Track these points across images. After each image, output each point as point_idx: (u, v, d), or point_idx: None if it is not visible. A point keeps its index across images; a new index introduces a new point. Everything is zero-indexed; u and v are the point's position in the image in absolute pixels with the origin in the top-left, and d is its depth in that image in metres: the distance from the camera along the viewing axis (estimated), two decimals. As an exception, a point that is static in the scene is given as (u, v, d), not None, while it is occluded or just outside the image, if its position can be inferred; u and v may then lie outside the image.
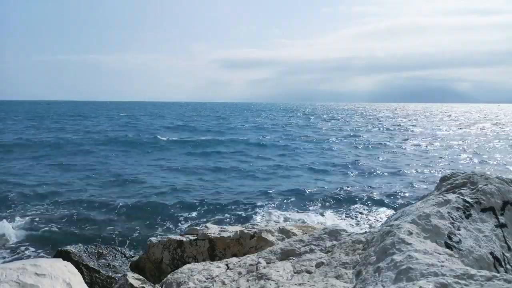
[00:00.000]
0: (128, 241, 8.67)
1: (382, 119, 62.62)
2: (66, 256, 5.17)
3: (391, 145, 26.25)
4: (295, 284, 2.43)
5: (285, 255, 2.95)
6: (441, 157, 20.84)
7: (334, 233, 3.07)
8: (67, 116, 62.16)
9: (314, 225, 6.00)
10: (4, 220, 9.53)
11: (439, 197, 2.82)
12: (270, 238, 4.16)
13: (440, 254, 2.09)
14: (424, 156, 21.39)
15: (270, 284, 2.47)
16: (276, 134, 34.04)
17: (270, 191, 13.11)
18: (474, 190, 2.86)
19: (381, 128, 41.52)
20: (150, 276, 4.23)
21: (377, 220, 10.21)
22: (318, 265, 2.66)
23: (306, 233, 3.47)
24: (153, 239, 4.45)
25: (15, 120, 48.82)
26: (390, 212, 10.77)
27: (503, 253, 2.47)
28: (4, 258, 7.52)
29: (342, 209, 11.30)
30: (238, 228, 4.41)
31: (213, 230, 4.38)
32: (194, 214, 10.66)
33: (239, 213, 10.85)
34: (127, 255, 5.94)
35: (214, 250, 4.20)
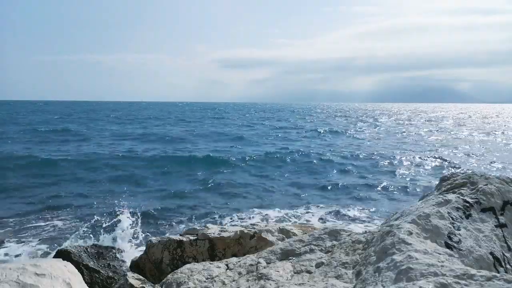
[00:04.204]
0: (128, 241, 8.67)
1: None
2: (66, 256, 5.17)
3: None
4: (295, 284, 2.43)
5: (285, 255, 2.95)
6: None
7: (334, 233, 3.07)
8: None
9: (314, 225, 6.00)
10: (4, 220, 9.54)
11: (439, 197, 2.82)
12: (270, 238, 4.16)
13: (440, 254, 2.09)
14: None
15: (270, 284, 2.47)
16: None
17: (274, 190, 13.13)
18: (474, 190, 2.86)
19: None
20: (150, 276, 4.23)
21: (377, 220, 10.21)
22: (318, 265, 2.66)
23: (306, 233, 3.47)
24: (153, 239, 4.45)
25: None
26: (390, 212, 10.77)
27: (503, 253, 2.47)
28: (4, 258, 7.52)
29: (342, 208, 11.30)
30: (238, 228, 4.41)
31: (213, 230, 4.38)
32: (194, 214, 10.66)
33: (239, 213, 10.85)
34: (127, 255, 5.94)
35: (214, 250, 4.19)
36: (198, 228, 4.54)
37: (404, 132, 37.69)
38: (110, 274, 5.27)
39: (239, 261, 3.03)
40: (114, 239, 8.72)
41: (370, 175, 15.98)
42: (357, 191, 13.32)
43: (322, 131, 36.00)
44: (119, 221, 10.00)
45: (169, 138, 29.17)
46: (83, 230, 9.26)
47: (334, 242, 2.93)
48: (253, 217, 10.46)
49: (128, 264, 5.11)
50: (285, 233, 4.30)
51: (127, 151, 22.05)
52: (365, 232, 2.98)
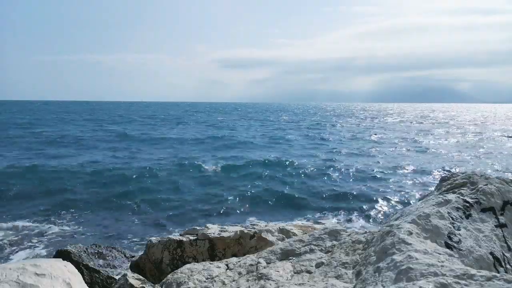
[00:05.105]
0: (128, 241, 8.67)
1: None
2: (66, 256, 5.17)
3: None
4: (295, 284, 2.43)
5: (285, 255, 2.95)
6: None
7: (334, 233, 3.06)
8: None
9: (314, 225, 5.99)
10: (4, 220, 9.53)
11: (439, 197, 2.82)
12: (270, 238, 4.16)
13: (440, 254, 2.09)
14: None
15: (270, 284, 2.47)
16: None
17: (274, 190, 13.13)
18: (474, 190, 2.86)
19: None
20: (150, 276, 4.23)
21: (377, 220, 10.21)
22: (318, 265, 2.66)
23: (306, 233, 3.47)
24: (153, 239, 4.44)
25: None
26: (390, 212, 10.76)
27: (503, 253, 2.47)
28: (4, 258, 7.52)
29: (341, 209, 11.29)
30: (238, 228, 4.41)
31: (213, 230, 4.37)
32: (194, 214, 10.66)
33: (239, 213, 10.85)
34: (127, 255, 5.94)
35: (214, 250, 4.19)
36: (198, 228, 4.54)
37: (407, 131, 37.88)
38: (110, 274, 5.27)
39: (239, 261, 3.03)
40: (114, 239, 8.72)
41: (371, 177, 15.99)
42: (359, 193, 13.32)
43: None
44: (119, 221, 10.00)
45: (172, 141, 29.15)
46: (83, 231, 9.26)
47: (334, 242, 2.93)
48: (252, 217, 10.45)
49: (128, 264, 5.11)
50: (285, 233, 4.29)
51: (126, 152, 22.05)
52: (365, 232, 2.97)
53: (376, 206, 11.51)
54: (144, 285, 3.70)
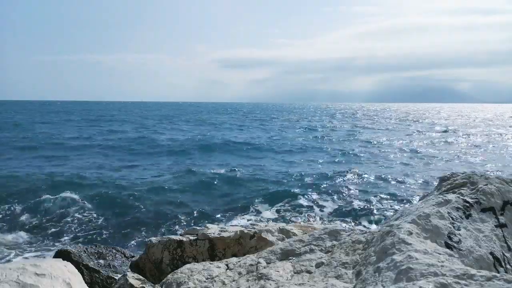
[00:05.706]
0: (128, 241, 8.67)
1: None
2: (66, 256, 5.16)
3: None
4: (295, 284, 2.43)
5: (285, 255, 2.95)
6: None
7: (334, 233, 3.06)
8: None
9: (314, 225, 6.00)
10: (4, 220, 9.54)
11: (439, 197, 2.82)
12: (270, 238, 4.15)
13: (440, 254, 2.09)
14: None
15: (270, 284, 2.47)
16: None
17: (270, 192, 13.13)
18: (474, 190, 2.86)
19: None
20: (150, 276, 4.23)
21: (377, 220, 10.21)
22: (318, 265, 2.66)
23: (306, 233, 3.47)
24: (153, 239, 4.44)
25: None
26: (390, 212, 10.77)
27: (503, 253, 2.47)
28: (4, 258, 7.53)
29: (341, 209, 11.30)
30: (238, 228, 4.40)
31: (213, 230, 4.37)
32: (194, 214, 10.66)
33: (239, 213, 10.85)
34: (127, 255, 5.93)
35: (214, 250, 4.19)
36: (198, 228, 4.54)
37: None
38: (110, 274, 5.26)
39: (239, 261, 3.03)
40: (114, 239, 8.72)
41: (372, 176, 16.00)
42: (359, 193, 13.33)
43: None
44: (119, 221, 10.01)
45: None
46: (83, 231, 9.27)
47: (334, 242, 2.93)
48: (252, 217, 10.46)
49: (128, 264, 5.10)
50: (285, 233, 4.29)
51: (125, 153, 22.05)
52: (365, 232, 2.97)
53: (376, 206, 11.51)
54: (144, 285, 3.70)
